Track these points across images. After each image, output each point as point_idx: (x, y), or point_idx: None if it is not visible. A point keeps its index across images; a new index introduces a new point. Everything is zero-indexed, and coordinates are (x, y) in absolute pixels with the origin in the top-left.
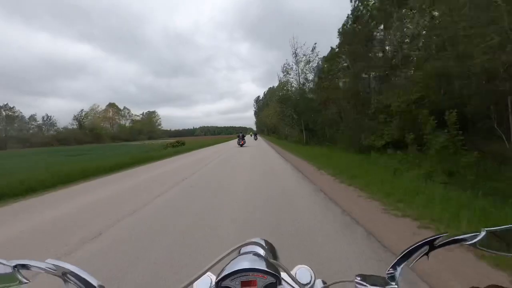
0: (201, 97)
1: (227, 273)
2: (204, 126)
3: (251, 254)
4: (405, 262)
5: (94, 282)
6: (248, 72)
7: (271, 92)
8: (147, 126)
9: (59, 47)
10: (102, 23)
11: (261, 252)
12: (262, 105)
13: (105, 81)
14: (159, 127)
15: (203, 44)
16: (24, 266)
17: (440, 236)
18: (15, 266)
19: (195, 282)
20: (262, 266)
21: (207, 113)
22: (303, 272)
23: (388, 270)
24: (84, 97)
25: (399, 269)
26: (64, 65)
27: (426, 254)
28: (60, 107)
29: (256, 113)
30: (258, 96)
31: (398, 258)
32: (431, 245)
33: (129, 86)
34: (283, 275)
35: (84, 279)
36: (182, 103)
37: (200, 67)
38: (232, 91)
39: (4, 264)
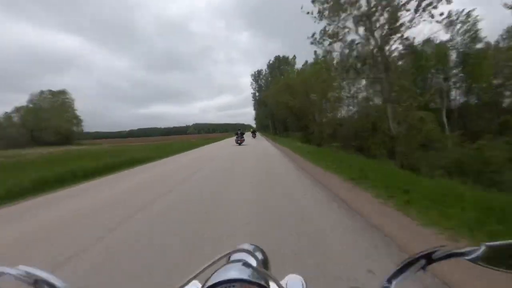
0: (198, 93)
1: (213, 282)
2: (198, 124)
3: (240, 263)
4: (401, 276)
5: None
6: (249, 64)
7: (282, 61)
8: (56, 119)
9: (44, 39)
10: (90, 11)
11: (251, 260)
12: (266, 83)
13: (95, 76)
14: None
15: (200, 33)
16: None
17: (438, 250)
18: None
19: None
20: (250, 276)
21: (204, 109)
22: (294, 282)
23: (383, 284)
24: (72, 94)
25: (394, 282)
26: (50, 59)
27: (423, 268)
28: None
29: (256, 99)
30: (259, 71)
31: (393, 272)
32: (429, 258)
33: (121, 81)
34: (273, 285)
35: (57, 286)
36: (179, 100)
37: (197, 60)
38: (231, 86)
39: None
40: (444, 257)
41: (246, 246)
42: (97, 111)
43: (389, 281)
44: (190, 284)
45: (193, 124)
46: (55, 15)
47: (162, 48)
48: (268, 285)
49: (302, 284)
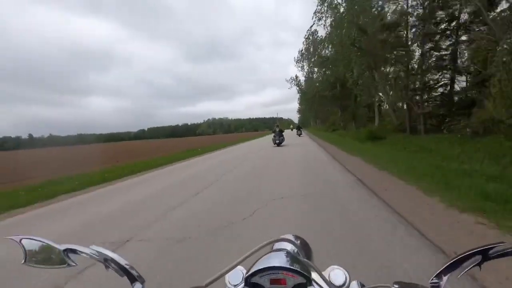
0: (242, 86)
1: (257, 269)
2: (213, 119)
3: (284, 252)
4: (453, 272)
5: (133, 271)
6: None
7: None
8: None
9: (82, 32)
10: None
11: (294, 249)
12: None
13: (138, 73)
14: None
15: (242, 8)
16: (71, 251)
17: (496, 246)
18: (64, 250)
19: (227, 275)
20: (293, 265)
21: (248, 105)
22: (336, 274)
23: (432, 279)
24: (121, 93)
25: (445, 279)
26: (91, 55)
27: (479, 264)
28: (105, 106)
29: (299, 86)
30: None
31: (444, 267)
32: (485, 254)
33: (164, 77)
34: (315, 275)
35: (123, 266)
36: (223, 95)
37: (238, 44)
38: (277, 78)
39: (55, 247)
40: (503, 254)
41: (290, 236)
42: (143, 110)
43: (439, 276)
44: (235, 269)
45: (206, 121)
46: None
47: (202, 33)
48: (310, 275)
49: (345, 276)
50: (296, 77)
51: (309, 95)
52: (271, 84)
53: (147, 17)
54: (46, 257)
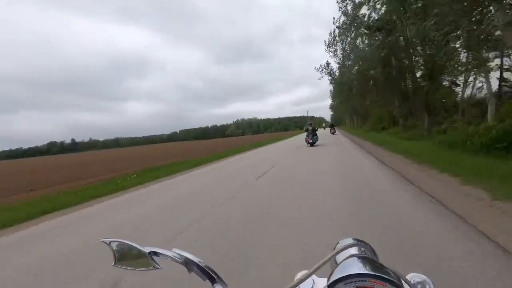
0: (272, 86)
1: (340, 276)
2: (242, 120)
3: (362, 258)
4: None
5: (215, 274)
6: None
7: None
8: None
9: (116, 38)
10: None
11: (367, 254)
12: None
13: (171, 77)
14: None
15: (271, 5)
16: (155, 253)
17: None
18: (149, 253)
19: (300, 285)
20: (380, 272)
21: (278, 105)
22: (419, 281)
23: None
24: (155, 97)
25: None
26: (126, 61)
27: None
28: (140, 110)
29: (330, 75)
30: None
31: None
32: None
33: (195, 80)
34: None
35: (205, 270)
36: (253, 96)
37: (268, 43)
38: (308, 75)
39: (140, 250)
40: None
41: (351, 240)
42: (175, 113)
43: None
44: (309, 279)
45: (235, 121)
46: (120, 8)
47: (233, 34)
48: (401, 284)
49: (428, 285)
50: (328, 64)
51: (345, 86)
52: (302, 82)
53: (179, 22)
54: (133, 259)
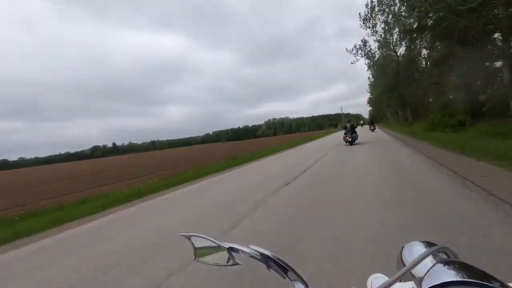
0: (306, 84)
1: (438, 283)
2: (273, 120)
3: (456, 263)
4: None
5: (295, 273)
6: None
7: None
8: None
9: (149, 43)
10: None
11: (456, 258)
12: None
13: (205, 79)
14: None
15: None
16: (233, 249)
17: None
18: (228, 248)
19: None
20: (483, 279)
21: (312, 103)
22: None
23: None
24: (190, 100)
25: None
26: (161, 66)
27: None
28: (177, 113)
29: (368, 57)
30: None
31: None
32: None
33: (228, 81)
34: None
35: (284, 267)
36: (286, 95)
37: (301, 39)
38: (344, 70)
39: (219, 245)
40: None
41: (420, 243)
42: (209, 115)
43: None
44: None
45: (266, 121)
46: (150, 15)
47: (265, 33)
48: None
49: None
50: (365, 43)
51: (388, 69)
52: (338, 78)
53: (211, 25)
54: (213, 254)
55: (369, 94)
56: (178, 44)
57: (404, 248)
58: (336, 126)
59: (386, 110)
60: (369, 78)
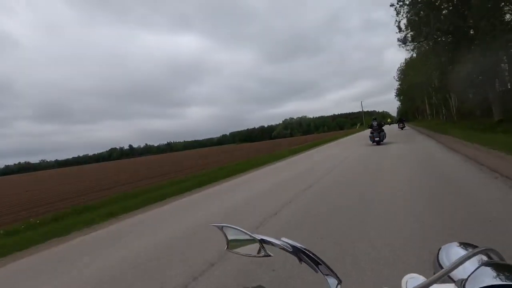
0: (329, 82)
1: (483, 286)
2: (290, 119)
3: (502, 265)
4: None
5: (326, 267)
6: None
7: None
8: None
9: (167, 44)
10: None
11: (501, 261)
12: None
13: (225, 79)
14: None
15: None
16: (264, 241)
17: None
18: (260, 240)
19: None
20: None
21: (336, 101)
22: None
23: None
24: (210, 101)
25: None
26: (185, 69)
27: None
28: (197, 114)
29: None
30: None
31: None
32: None
33: (249, 81)
34: None
35: (316, 260)
36: (308, 93)
37: (323, 35)
38: (371, 66)
39: (252, 237)
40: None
41: (457, 244)
42: (229, 115)
43: None
44: None
45: (284, 121)
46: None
47: (285, 30)
48: None
49: None
50: None
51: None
52: (362, 75)
53: (231, 24)
54: (244, 245)
55: (398, 84)
56: (197, 44)
57: (441, 250)
58: (356, 125)
59: (423, 103)
60: (397, 71)
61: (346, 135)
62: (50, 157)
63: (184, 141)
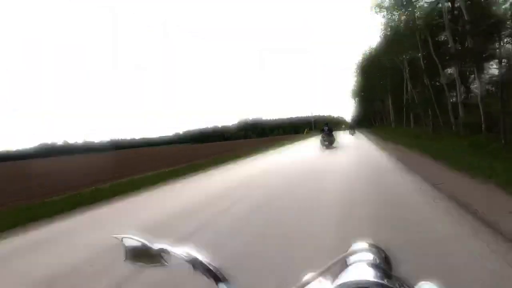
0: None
1: (344, 281)
2: (245, 120)
3: (370, 265)
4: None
5: (219, 273)
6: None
7: None
8: None
9: None
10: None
11: (377, 261)
12: None
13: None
14: None
15: None
16: (164, 251)
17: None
18: (159, 249)
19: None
20: (387, 280)
21: (295, 104)
22: None
23: None
24: None
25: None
26: None
27: None
28: None
29: None
30: None
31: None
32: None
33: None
34: None
35: (209, 268)
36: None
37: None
38: None
39: (150, 247)
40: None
41: (363, 244)
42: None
43: None
44: (314, 282)
45: (239, 122)
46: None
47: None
48: None
49: None
50: None
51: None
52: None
53: None
54: (143, 256)
55: (354, 82)
56: None
57: (350, 248)
58: (303, 132)
59: (386, 104)
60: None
61: (305, 138)
62: None
63: (131, 138)
